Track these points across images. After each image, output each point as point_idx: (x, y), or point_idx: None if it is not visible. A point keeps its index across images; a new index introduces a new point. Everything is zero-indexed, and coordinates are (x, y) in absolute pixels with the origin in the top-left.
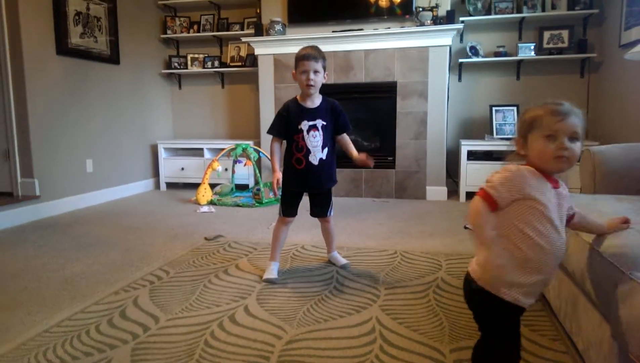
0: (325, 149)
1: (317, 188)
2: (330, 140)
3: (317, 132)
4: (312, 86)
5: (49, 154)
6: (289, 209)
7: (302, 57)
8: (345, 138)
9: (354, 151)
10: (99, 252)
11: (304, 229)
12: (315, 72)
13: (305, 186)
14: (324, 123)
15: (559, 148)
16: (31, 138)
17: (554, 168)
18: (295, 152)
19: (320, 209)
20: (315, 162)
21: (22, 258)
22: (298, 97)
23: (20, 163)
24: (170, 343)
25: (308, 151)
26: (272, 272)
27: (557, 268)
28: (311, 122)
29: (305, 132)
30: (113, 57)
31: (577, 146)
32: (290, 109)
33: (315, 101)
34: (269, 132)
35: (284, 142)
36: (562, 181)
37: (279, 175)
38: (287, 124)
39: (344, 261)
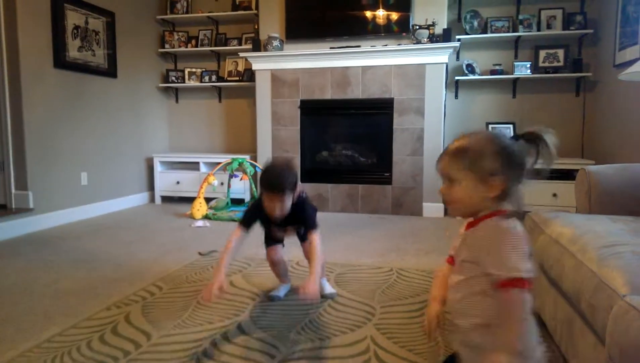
0: (302, 230)
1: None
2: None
3: (289, 231)
4: (278, 216)
5: (44, 167)
6: (268, 241)
7: (265, 188)
8: (312, 241)
9: (311, 271)
10: (92, 267)
11: (298, 245)
12: (282, 201)
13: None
14: (294, 226)
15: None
16: (26, 150)
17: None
18: (269, 233)
19: (302, 235)
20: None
21: (14, 272)
22: None
23: (14, 175)
24: (162, 361)
25: (282, 239)
26: (277, 290)
27: (458, 318)
28: (280, 230)
29: (276, 229)
30: (110, 71)
31: (454, 189)
32: (261, 212)
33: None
34: (239, 223)
35: None
36: (501, 222)
37: (221, 284)
38: (259, 220)
39: (329, 289)
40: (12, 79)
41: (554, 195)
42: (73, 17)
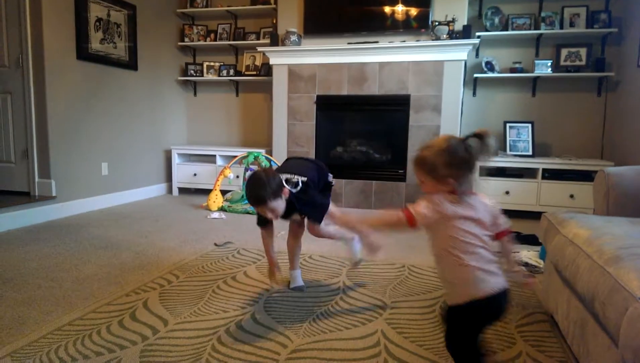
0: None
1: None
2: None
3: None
4: (274, 218)
5: (66, 156)
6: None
7: (249, 202)
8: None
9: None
10: (112, 254)
11: (311, 239)
12: (269, 209)
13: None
14: (298, 213)
15: None
16: (50, 139)
17: None
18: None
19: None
20: None
21: (37, 257)
22: None
23: (38, 164)
24: (178, 347)
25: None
26: (295, 280)
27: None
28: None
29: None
30: (131, 63)
31: (423, 186)
32: None
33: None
34: (257, 224)
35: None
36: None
37: (277, 265)
38: None
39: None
40: (37, 70)
41: (571, 196)
42: (96, 10)
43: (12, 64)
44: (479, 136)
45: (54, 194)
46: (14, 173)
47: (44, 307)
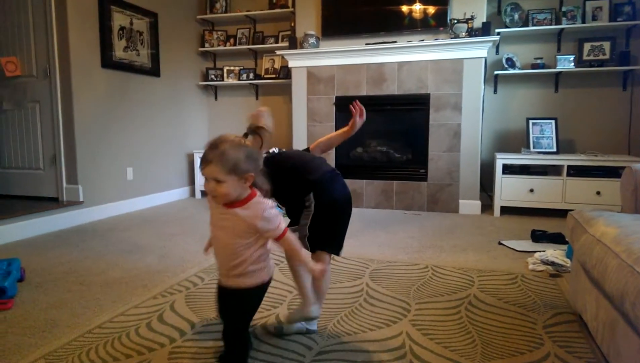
0: None
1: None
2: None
3: None
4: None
5: (93, 162)
6: None
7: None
8: None
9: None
10: (138, 257)
11: None
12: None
13: None
14: None
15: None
16: (76, 146)
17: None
18: None
19: None
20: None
21: (67, 261)
22: None
23: (66, 170)
24: (205, 349)
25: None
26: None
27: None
28: None
29: None
30: (154, 70)
31: (221, 186)
32: None
33: None
34: None
35: None
36: (248, 206)
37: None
38: None
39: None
40: (63, 79)
41: (598, 193)
42: (119, 18)
43: (40, 74)
44: (256, 131)
45: (81, 199)
46: (42, 180)
47: (74, 310)
